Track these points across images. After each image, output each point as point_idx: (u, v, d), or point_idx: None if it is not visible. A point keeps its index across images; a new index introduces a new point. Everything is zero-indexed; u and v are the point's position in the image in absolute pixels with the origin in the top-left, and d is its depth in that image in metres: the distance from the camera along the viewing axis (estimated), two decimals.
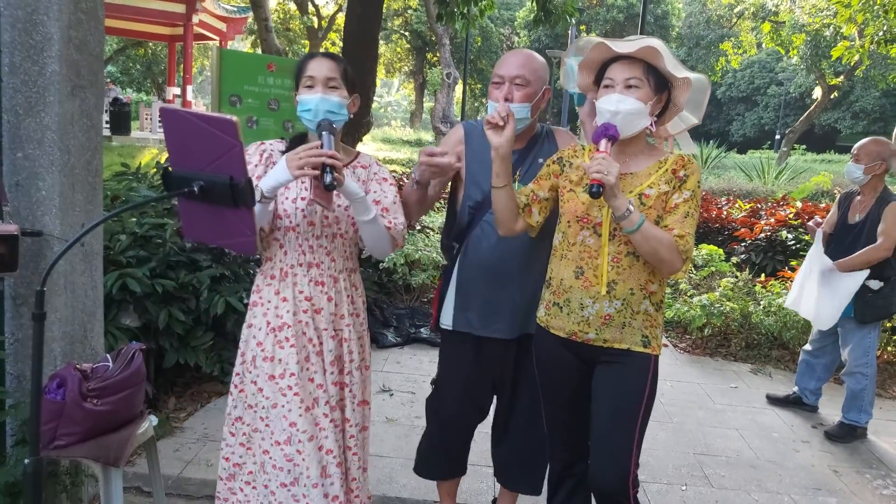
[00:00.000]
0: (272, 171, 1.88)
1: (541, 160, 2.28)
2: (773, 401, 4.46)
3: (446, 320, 2.37)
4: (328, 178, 1.78)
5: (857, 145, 3.97)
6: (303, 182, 2.03)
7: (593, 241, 2.00)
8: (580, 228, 2.02)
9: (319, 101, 1.99)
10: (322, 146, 1.84)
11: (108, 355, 2.44)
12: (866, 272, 3.78)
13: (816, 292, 3.91)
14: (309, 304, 2.06)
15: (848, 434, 3.95)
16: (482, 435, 2.66)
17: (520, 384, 2.41)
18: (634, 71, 1.91)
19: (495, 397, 2.51)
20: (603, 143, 1.88)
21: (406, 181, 2.44)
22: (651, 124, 1.97)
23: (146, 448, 2.54)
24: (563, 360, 2.12)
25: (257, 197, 1.79)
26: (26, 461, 1.58)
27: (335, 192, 1.92)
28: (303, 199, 2.02)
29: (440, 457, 2.55)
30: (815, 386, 4.31)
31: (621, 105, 1.90)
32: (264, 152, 2.08)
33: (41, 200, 2.51)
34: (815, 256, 3.97)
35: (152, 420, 2.53)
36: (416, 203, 2.29)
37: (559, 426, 2.24)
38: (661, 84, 1.95)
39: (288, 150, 2.05)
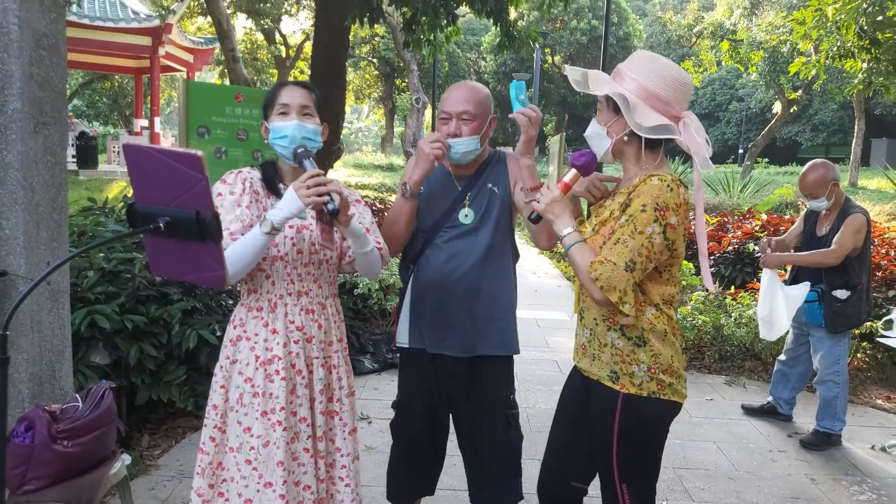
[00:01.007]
0: (281, 203, 1.86)
1: (489, 185, 2.35)
2: (749, 411, 4.50)
3: (402, 338, 2.43)
4: (332, 206, 1.81)
5: (804, 185, 3.97)
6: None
7: None
8: None
9: (296, 127, 1.99)
10: (318, 174, 1.87)
11: (77, 395, 2.40)
12: (807, 286, 3.86)
13: (768, 303, 3.98)
14: (300, 333, 2.03)
15: (823, 442, 4.00)
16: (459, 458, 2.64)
17: (472, 409, 2.41)
18: (599, 95, 1.93)
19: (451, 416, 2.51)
20: (569, 173, 1.94)
21: (380, 205, 2.47)
22: (609, 148, 1.92)
23: (120, 488, 2.49)
24: (571, 383, 2.17)
25: (265, 228, 1.83)
26: None
27: (313, 217, 1.98)
28: (291, 227, 2.01)
29: (406, 478, 2.55)
30: (789, 395, 4.37)
31: (588, 129, 1.98)
32: (245, 180, 2.04)
33: (5, 240, 2.47)
34: (769, 275, 4.02)
35: (125, 459, 2.49)
36: (408, 219, 2.31)
37: (550, 445, 2.24)
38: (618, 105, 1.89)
39: (263, 177, 2.06)
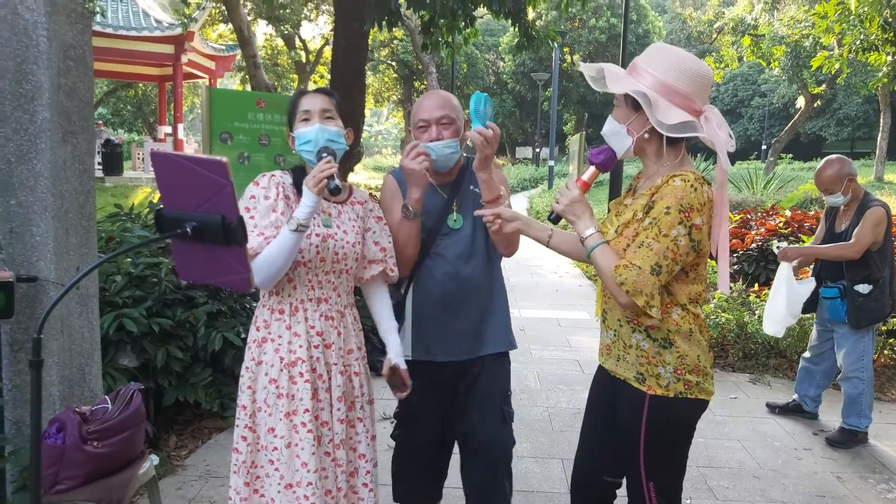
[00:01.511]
0: (301, 202, 1.92)
1: (472, 187, 2.38)
2: (774, 409, 4.47)
3: (406, 352, 2.41)
4: (332, 184, 1.89)
5: (819, 181, 3.99)
6: (315, 218, 2.05)
7: None
8: None
9: (318, 130, 2.02)
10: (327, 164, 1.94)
11: (106, 397, 2.45)
12: (812, 281, 3.83)
13: (774, 299, 3.98)
14: (320, 339, 2.06)
15: (849, 439, 3.96)
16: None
17: (469, 406, 2.41)
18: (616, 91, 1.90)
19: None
20: (588, 171, 1.92)
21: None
22: (631, 145, 1.88)
23: (148, 488, 2.54)
24: (600, 378, 2.16)
25: (292, 227, 1.88)
26: None
27: (338, 227, 2.08)
28: (317, 235, 2.03)
29: (418, 487, 2.56)
30: (814, 393, 4.33)
31: (605, 127, 1.93)
32: (279, 185, 2.06)
33: (35, 246, 2.53)
34: (783, 270, 4.01)
35: (153, 459, 2.53)
36: (417, 239, 2.31)
37: (582, 439, 2.23)
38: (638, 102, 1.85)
39: (294, 181, 2.10)
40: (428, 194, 2.34)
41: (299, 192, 2.07)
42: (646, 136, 1.86)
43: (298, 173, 2.13)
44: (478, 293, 2.38)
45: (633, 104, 1.85)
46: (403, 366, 2.25)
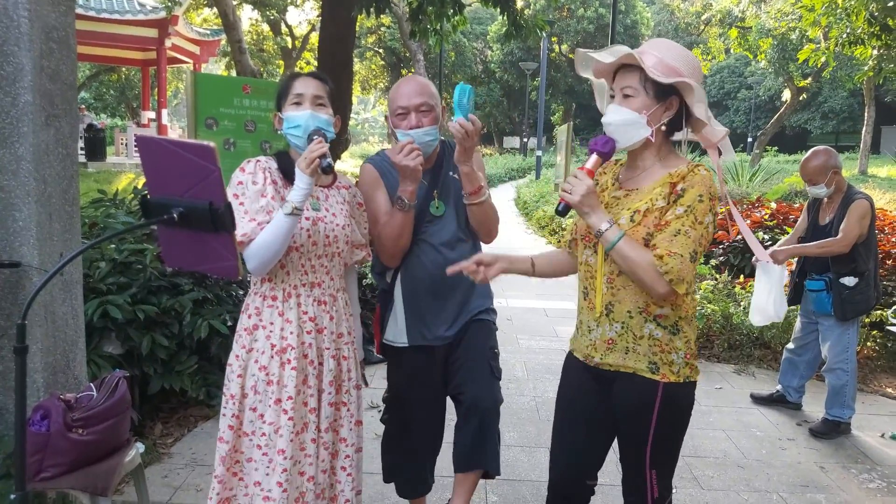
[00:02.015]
0: (294, 184, 1.92)
1: (451, 173, 2.40)
2: (758, 400, 4.51)
3: (400, 338, 2.42)
4: (325, 162, 1.91)
5: (805, 171, 3.97)
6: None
7: (594, 259, 1.93)
8: (584, 247, 1.97)
9: (309, 117, 2.02)
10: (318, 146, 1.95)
11: (91, 384, 2.42)
12: (784, 268, 3.77)
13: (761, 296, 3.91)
14: (313, 324, 2.06)
15: (832, 430, 4.00)
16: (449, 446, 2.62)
17: (460, 365, 2.43)
18: (630, 80, 1.82)
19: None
20: (591, 160, 1.85)
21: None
22: (652, 134, 1.83)
23: (134, 476, 2.52)
24: (580, 381, 2.05)
25: (287, 210, 1.87)
26: (12, 496, 1.57)
27: (326, 210, 2.08)
28: (307, 218, 2.03)
29: (415, 474, 2.56)
30: (798, 384, 4.37)
31: (613, 116, 1.84)
32: (265, 170, 2.05)
33: (18, 231, 2.49)
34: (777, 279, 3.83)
35: (139, 447, 2.51)
36: (410, 229, 2.31)
37: (564, 446, 2.14)
38: (663, 91, 1.82)
39: (280, 166, 2.08)
40: None
41: (285, 177, 2.06)
42: (662, 128, 1.85)
43: (283, 159, 2.11)
44: (465, 277, 2.35)
45: (656, 94, 1.81)
46: (362, 356, 2.35)
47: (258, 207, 1.96)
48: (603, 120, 1.88)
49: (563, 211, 1.84)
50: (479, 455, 2.38)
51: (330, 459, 2.13)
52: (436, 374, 2.45)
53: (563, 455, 2.12)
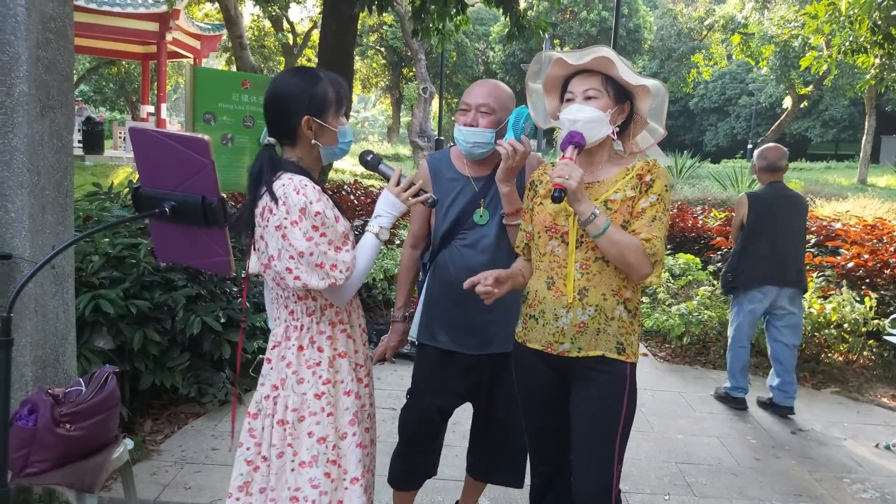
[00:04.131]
0: (384, 208, 1.88)
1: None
2: (761, 404, 4.54)
3: (412, 332, 2.50)
4: (431, 200, 1.91)
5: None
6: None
7: (561, 250, 2.01)
8: (549, 238, 2.04)
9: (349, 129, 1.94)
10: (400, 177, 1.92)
11: (80, 379, 2.39)
12: None
13: None
14: (364, 335, 2.04)
15: (722, 399, 4.59)
16: (461, 448, 2.65)
17: (495, 397, 2.48)
18: (592, 82, 1.97)
19: (470, 405, 2.58)
20: (569, 150, 1.93)
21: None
22: (613, 133, 1.99)
23: (122, 473, 2.49)
24: (539, 373, 2.11)
25: (385, 237, 1.86)
26: None
27: None
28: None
29: (410, 465, 2.58)
30: (777, 382, 4.41)
31: (580, 114, 1.95)
32: (321, 191, 1.80)
33: (10, 223, 2.47)
34: None
35: (128, 444, 2.49)
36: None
37: (539, 439, 2.23)
38: (621, 94, 1.99)
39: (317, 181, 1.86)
40: (461, 184, 2.39)
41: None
42: (617, 127, 2.01)
43: (302, 170, 1.87)
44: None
45: (616, 96, 1.98)
46: None
47: (339, 234, 1.77)
48: (567, 117, 1.98)
49: (559, 197, 1.87)
50: (511, 477, 2.58)
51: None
52: (444, 377, 2.43)
53: (543, 447, 2.23)
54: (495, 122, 2.30)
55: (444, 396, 2.46)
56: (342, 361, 1.89)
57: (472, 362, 2.41)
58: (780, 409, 4.39)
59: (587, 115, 1.95)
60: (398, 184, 1.89)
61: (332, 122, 1.84)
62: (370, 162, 1.97)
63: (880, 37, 8.97)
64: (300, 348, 1.85)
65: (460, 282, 2.26)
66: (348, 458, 1.85)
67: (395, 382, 4.54)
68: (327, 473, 1.80)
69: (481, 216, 2.35)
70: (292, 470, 1.80)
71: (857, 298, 5.33)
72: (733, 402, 4.51)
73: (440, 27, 7.24)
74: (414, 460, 2.57)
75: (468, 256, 2.35)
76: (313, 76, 1.83)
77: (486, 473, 2.62)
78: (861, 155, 24.74)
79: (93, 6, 16.22)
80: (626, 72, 1.95)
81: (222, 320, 3.74)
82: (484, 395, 2.49)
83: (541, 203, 2.09)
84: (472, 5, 8.38)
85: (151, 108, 19.97)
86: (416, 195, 1.90)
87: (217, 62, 29.51)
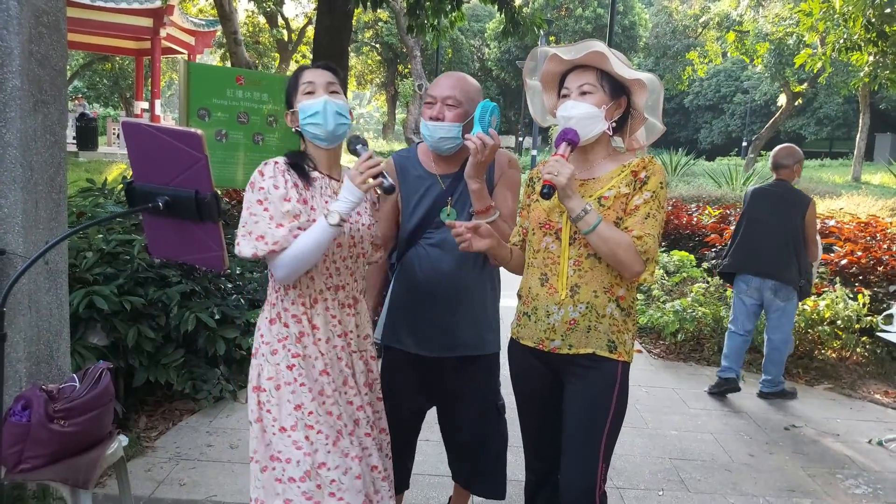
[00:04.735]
0: (342, 195, 1.86)
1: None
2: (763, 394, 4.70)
3: (378, 333, 2.41)
4: (386, 183, 1.83)
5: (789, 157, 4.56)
6: (328, 202, 1.98)
7: (555, 246, 2.00)
8: (543, 235, 2.03)
9: (325, 102, 1.94)
10: (370, 156, 1.88)
11: (74, 375, 2.39)
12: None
13: None
14: (340, 327, 2.01)
15: (716, 386, 4.68)
16: (432, 444, 2.64)
17: (462, 401, 2.43)
18: (587, 77, 1.95)
19: (435, 408, 2.54)
20: (562, 146, 1.92)
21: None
22: (609, 128, 1.97)
23: (116, 469, 2.49)
24: (532, 369, 2.11)
25: (333, 220, 1.80)
26: None
27: (356, 210, 1.97)
28: None
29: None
30: (766, 371, 4.63)
31: (574, 110, 1.94)
32: (284, 172, 1.93)
33: (3, 218, 2.45)
34: None
35: (122, 440, 2.48)
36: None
37: (533, 436, 2.24)
38: (616, 89, 1.98)
39: (294, 166, 1.97)
40: (428, 182, 2.31)
41: (300, 175, 1.96)
42: (613, 123, 1.99)
43: (298, 158, 2.01)
44: (459, 293, 2.29)
45: (611, 91, 1.96)
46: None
47: (283, 212, 1.85)
48: (562, 114, 1.97)
49: (548, 194, 1.87)
50: (491, 487, 2.56)
51: (382, 456, 2.14)
52: (410, 379, 2.39)
53: (540, 447, 2.23)
54: (462, 116, 2.22)
55: (413, 400, 2.43)
56: (308, 339, 1.94)
57: (438, 366, 2.35)
58: (767, 397, 4.63)
59: (581, 112, 1.93)
60: (359, 165, 1.87)
61: (295, 105, 1.97)
62: (351, 142, 1.97)
63: (874, 34, 9.00)
64: (271, 321, 1.97)
65: (426, 283, 2.27)
66: (322, 422, 1.92)
67: None
68: (307, 437, 1.90)
69: (448, 214, 2.28)
70: (273, 434, 1.91)
71: (851, 295, 5.36)
72: (724, 383, 4.60)
73: (435, 24, 7.23)
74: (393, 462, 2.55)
75: (434, 256, 2.27)
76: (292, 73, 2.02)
77: (465, 482, 2.58)
78: (855, 153, 24.82)
79: (86, 1, 16.13)
80: (620, 66, 1.94)
81: (217, 317, 3.73)
82: (451, 400, 2.44)
83: (536, 200, 2.08)
84: (468, 2, 8.37)
85: (146, 104, 19.88)
86: (376, 176, 1.85)
87: (211, 58, 29.43)
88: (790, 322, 4.54)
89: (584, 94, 1.95)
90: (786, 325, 4.51)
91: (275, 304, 1.98)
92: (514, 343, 2.16)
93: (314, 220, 1.89)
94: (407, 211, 2.34)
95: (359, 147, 1.94)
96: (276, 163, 1.94)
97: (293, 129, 2.01)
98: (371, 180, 1.83)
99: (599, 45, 1.93)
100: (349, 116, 2.01)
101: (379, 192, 1.88)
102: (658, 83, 2.00)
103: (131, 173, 1.57)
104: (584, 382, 2.00)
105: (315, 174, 2.01)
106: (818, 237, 4.58)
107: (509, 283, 2.36)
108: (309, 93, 1.96)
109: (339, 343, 2.01)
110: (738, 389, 4.57)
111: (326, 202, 1.97)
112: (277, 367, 1.93)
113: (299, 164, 1.98)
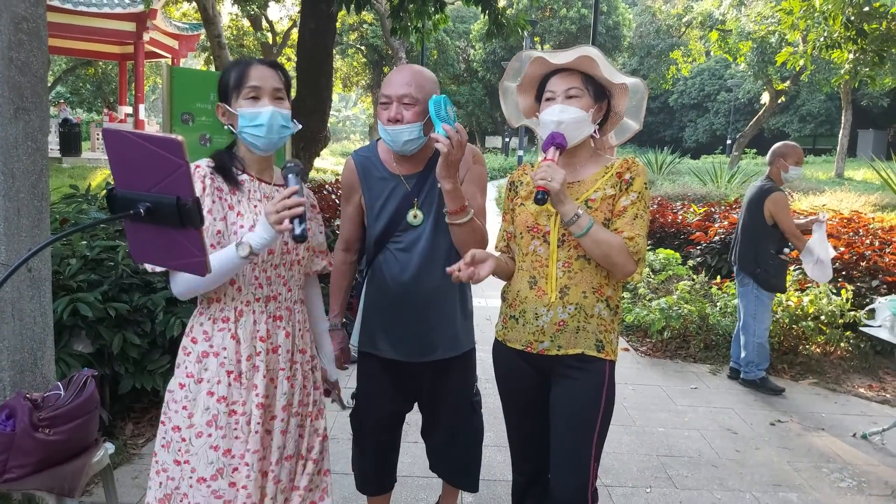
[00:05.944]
0: (258, 229, 1.70)
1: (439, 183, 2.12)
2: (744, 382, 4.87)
3: (354, 340, 2.39)
4: (298, 230, 1.66)
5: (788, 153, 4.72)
6: (257, 206, 1.84)
7: (543, 249, 2.01)
8: (531, 238, 2.04)
9: (272, 115, 1.80)
10: (295, 193, 1.70)
11: (59, 383, 2.38)
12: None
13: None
14: (263, 344, 1.83)
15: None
16: (420, 446, 2.66)
17: (440, 401, 2.45)
18: (574, 81, 1.96)
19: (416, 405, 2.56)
20: (551, 151, 1.92)
21: None
22: (595, 132, 2.00)
23: (103, 476, 2.48)
24: (520, 372, 2.12)
25: (243, 253, 1.67)
26: None
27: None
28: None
29: (369, 470, 2.55)
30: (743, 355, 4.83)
31: (564, 114, 1.93)
32: (205, 177, 1.79)
33: None
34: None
35: (108, 448, 2.47)
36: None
37: (520, 437, 2.25)
38: (599, 93, 1.99)
39: (217, 169, 1.83)
40: (392, 183, 2.24)
41: (226, 179, 1.83)
42: (597, 126, 2.02)
43: (225, 159, 1.87)
44: (430, 295, 2.25)
45: (596, 95, 1.98)
46: (334, 377, 2.24)
47: None
48: (550, 118, 1.95)
49: (542, 199, 1.86)
50: (462, 478, 2.57)
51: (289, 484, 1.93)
52: (389, 383, 2.39)
53: (526, 452, 2.24)
54: (421, 113, 2.09)
55: (392, 403, 2.43)
56: (212, 361, 1.80)
57: (416, 370, 2.33)
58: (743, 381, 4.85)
59: (571, 116, 1.93)
60: (277, 203, 1.67)
61: (234, 105, 1.83)
62: (286, 168, 1.80)
63: (853, 32, 9.11)
64: (186, 335, 1.88)
65: (397, 288, 2.23)
66: (199, 456, 1.79)
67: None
68: (176, 461, 1.82)
69: (415, 217, 2.20)
70: (155, 450, 1.89)
71: (834, 291, 5.41)
72: (760, 384, 4.80)
73: (419, 25, 7.24)
74: (373, 466, 2.53)
75: (403, 261, 2.21)
76: (231, 64, 1.88)
77: (444, 474, 2.61)
78: (838, 149, 25.08)
79: (68, 6, 16.02)
80: (610, 70, 1.95)
81: None
82: (429, 399, 2.45)
83: (522, 204, 2.08)
84: (452, 3, 8.38)
85: (130, 109, 19.76)
86: (289, 220, 1.66)
87: (195, 62, 29.26)
88: (749, 306, 4.71)
89: (570, 97, 1.95)
90: (746, 308, 4.75)
91: (194, 317, 1.87)
92: (500, 346, 2.16)
93: (241, 227, 1.78)
94: (372, 215, 2.26)
95: (290, 176, 1.77)
96: (198, 167, 1.79)
97: (224, 125, 1.86)
98: (287, 222, 1.66)
99: (592, 50, 1.92)
100: (290, 126, 1.87)
101: (288, 238, 1.72)
102: (642, 87, 2.02)
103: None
104: (574, 383, 2.01)
105: (244, 177, 1.87)
106: (796, 230, 4.58)
107: (491, 283, 2.36)
108: (253, 98, 1.81)
109: (257, 362, 1.82)
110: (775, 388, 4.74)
111: (255, 206, 1.84)
112: (174, 382, 1.86)
113: (225, 167, 1.84)
